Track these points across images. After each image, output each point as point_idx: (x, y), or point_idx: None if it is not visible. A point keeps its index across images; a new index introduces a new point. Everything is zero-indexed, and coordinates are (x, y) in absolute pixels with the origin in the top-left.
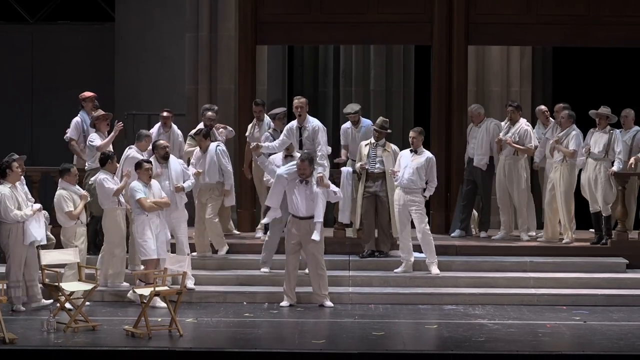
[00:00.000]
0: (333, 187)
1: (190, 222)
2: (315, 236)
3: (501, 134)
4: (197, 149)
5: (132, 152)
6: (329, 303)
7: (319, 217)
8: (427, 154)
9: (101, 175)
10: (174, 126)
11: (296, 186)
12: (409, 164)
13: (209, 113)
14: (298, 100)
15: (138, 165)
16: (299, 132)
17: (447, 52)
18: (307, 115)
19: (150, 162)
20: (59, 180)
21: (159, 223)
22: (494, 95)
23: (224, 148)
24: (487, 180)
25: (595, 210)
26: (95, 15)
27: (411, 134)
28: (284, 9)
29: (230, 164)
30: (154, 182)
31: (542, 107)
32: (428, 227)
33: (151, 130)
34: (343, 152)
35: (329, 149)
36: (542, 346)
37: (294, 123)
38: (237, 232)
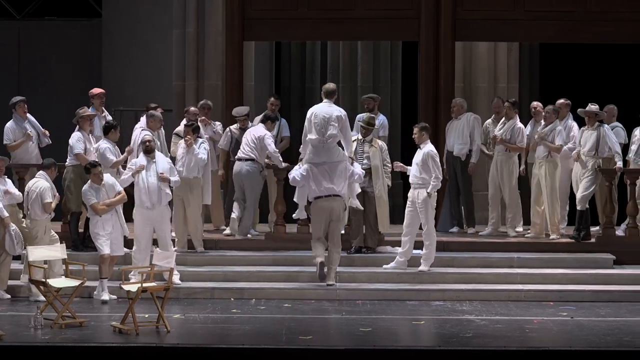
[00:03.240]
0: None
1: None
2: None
3: (495, 131)
4: (181, 143)
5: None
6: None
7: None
8: (427, 148)
9: (103, 144)
10: None
11: None
12: (414, 160)
13: (192, 108)
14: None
15: (87, 169)
16: None
17: (434, 48)
18: None
19: (100, 166)
20: (41, 172)
21: (115, 220)
22: (481, 91)
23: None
24: (466, 172)
25: (584, 208)
26: (83, 11)
27: (413, 129)
28: (271, 5)
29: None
30: (107, 178)
31: (535, 103)
32: (433, 224)
33: (138, 125)
34: None
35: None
36: (529, 342)
37: None
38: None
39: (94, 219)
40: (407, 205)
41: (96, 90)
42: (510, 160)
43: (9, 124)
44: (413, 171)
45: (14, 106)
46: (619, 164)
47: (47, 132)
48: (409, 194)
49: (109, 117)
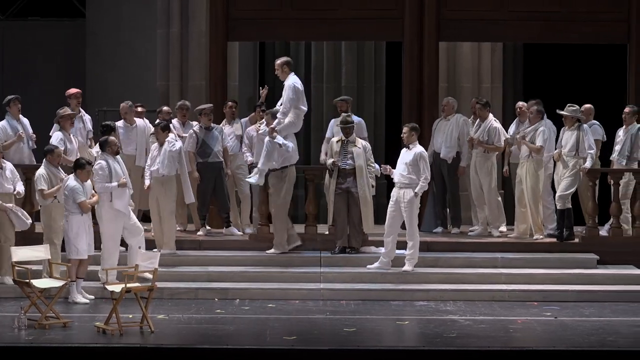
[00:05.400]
0: (279, 140)
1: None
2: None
3: (471, 133)
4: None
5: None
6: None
7: (259, 164)
8: (418, 149)
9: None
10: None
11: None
12: (401, 159)
13: (165, 108)
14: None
15: (81, 166)
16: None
17: (418, 49)
18: (289, 75)
19: (91, 165)
20: (44, 159)
21: (90, 224)
22: (465, 91)
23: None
24: (453, 174)
25: (566, 207)
26: (66, 11)
27: (403, 129)
28: (255, 5)
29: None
30: (88, 181)
31: (520, 103)
32: (417, 224)
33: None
34: (324, 145)
35: (302, 108)
36: (513, 342)
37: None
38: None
39: (75, 217)
40: (389, 205)
41: (72, 90)
42: (488, 162)
43: (2, 123)
44: (400, 170)
45: (8, 104)
46: (587, 164)
47: (34, 135)
48: (392, 193)
49: (86, 117)
